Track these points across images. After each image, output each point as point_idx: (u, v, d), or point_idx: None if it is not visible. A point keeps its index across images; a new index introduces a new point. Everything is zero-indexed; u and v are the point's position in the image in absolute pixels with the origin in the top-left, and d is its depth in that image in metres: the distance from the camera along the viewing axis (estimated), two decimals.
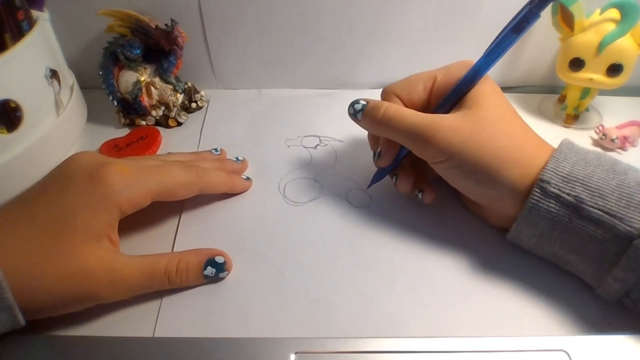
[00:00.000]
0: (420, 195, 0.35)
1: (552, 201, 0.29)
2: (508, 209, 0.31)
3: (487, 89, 0.32)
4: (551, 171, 0.29)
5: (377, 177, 0.38)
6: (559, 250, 0.30)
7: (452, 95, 0.33)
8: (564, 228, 0.29)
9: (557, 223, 0.29)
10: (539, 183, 0.29)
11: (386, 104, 0.34)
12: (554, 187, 0.29)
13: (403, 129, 0.32)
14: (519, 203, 0.30)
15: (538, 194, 0.29)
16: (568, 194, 0.28)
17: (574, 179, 0.28)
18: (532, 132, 0.32)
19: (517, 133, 0.31)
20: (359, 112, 0.35)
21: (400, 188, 0.36)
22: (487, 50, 0.32)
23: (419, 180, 0.36)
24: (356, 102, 0.36)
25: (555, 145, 0.31)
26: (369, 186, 0.38)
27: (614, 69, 0.42)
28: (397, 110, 0.33)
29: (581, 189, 0.28)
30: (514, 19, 0.30)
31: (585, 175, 0.28)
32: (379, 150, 0.36)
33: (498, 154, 0.30)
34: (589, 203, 0.28)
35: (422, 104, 0.35)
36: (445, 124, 0.31)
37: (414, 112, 0.33)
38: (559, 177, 0.29)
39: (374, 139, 0.38)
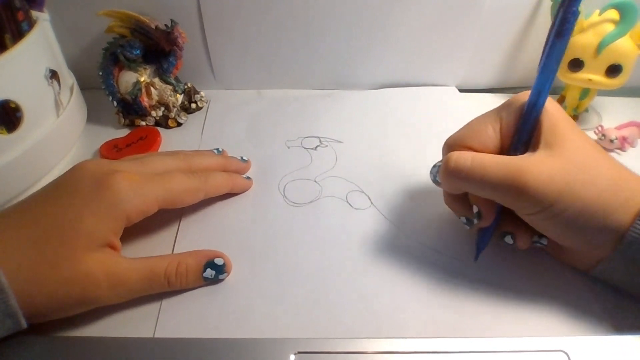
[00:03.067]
0: (544, 242, 0.31)
1: None
2: (604, 253, 0.29)
3: (560, 120, 0.29)
4: None
5: (483, 241, 0.33)
6: None
7: (523, 129, 0.30)
8: None
9: None
10: None
11: (456, 153, 0.30)
12: None
13: (488, 181, 0.28)
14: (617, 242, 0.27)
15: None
16: None
17: None
18: (619, 163, 0.29)
19: (611, 171, 0.28)
20: (437, 175, 0.32)
21: (522, 246, 0.31)
22: (539, 67, 0.29)
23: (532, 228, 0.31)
24: (434, 166, 0.33)
25: None
26: (477, 257, 0.33)
27: (613, 70, 0.43)
28: (474, 158, 0.29)
29: None
30: (552, 25, 0.28)
31: None
32: (477, 211, 0.31)
33: (601, 197, 0.27)
34: None
35: (497, 148, 0.31)
36: (537, 170, 0.27)
37: (495, 158, 0.29)
38: None
39: (457, 201, 0.33)
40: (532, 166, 0.27)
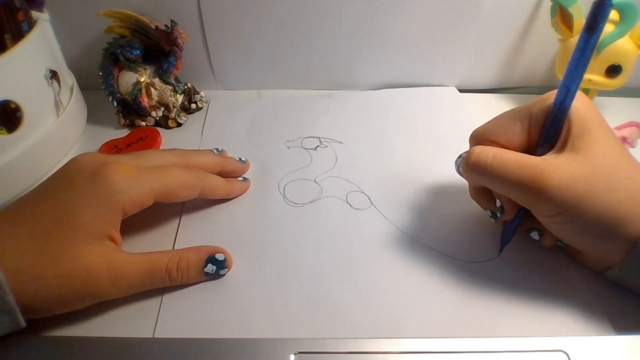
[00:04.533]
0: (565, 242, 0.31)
1: None
2: (618, 257, 0.29)
3: (590, 122, 0.28)
4: None
5: (507, 236, 0.33)
6: None
7: (550, 128, 0.29)
8: None
9: None
10: None
11: (479, 148, 0.30)
12: None
13: (507, 179, 0.28)
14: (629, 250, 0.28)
15: None
16: None
17: None
18: None
19: (634, 181, 0.27)
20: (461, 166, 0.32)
21: (548, 244, 0.32)
22: (569, 63, 0.28)
23: None
24: (459, 157, 0.33)
25: None
26: (501, 250, 0.34)
27: (613, 70, 0.43)
28: (495, 155, 0.29)
29: None
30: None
31: None
32: (499, 205, 0.31)
33: (618, 207, 0.27)
34: None
35: (523, 145, 0.31)
36: (557, 174, 0.27)
37: (517, 157, 0.29)
38: None
39: (481, 195, 0.33)
40: (552, 170, 0.27)
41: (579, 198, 0.27)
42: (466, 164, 0.31)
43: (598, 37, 0.27)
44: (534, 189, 0.27)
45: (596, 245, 0.29)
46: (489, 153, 0.29)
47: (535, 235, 0.32)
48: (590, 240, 0.29)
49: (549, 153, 0.29)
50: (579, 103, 0.29)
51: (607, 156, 0.28)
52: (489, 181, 0.30)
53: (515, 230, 0.33)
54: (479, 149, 0.30)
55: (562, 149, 0.29)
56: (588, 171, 0.27)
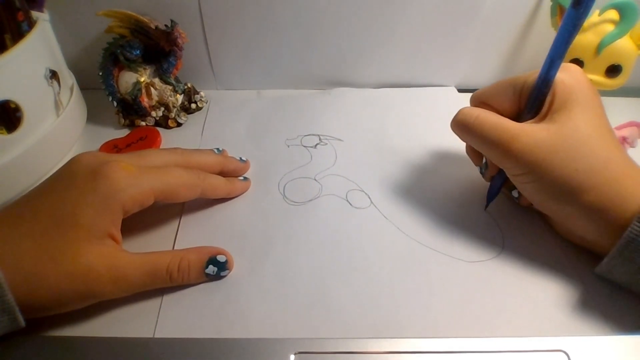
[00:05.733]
0: None
1: None
2: (579, 228, 0.31)
3: (572, 96, 0.30)
4: None
5: (491, 192, 0.36)
6: None
7: (534, 95, 0.31)
8: None
9: None
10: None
11: (466, 109, 0.34)
12: None
13: (483, 138, 0.32)
14: (591, 224, 0.30)
15: (638, 228, 0.27)
16: None
17: None
18: (618, 155, 0.30)
19: (599, 155, 0.29)
20: None
21: (524, 203, 0.35)
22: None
23: None
24: None
25: None
26: (487, 206, 0.37)
27: (613, 70, 0.43)
28: (478, 116, 0.32)
29: None
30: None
31: None
32: (485, 161, 0.35)
33: (574, 175, 0.29)
34: None
35: (514, 111, 0.33)
36: (526, 138, 0.30)
37: (495, 120, 0.32)
38: None
39: (472, 152, 0.37)
40: (522, 135, 0.30)
41: (539, 162, 0.30)
42: (453, 121, 0.34)
43: (585, 14, 0.27)
44: (502, 149, 0.31)
45: (553, 206, 0.31)
46: (473, 114, 0.33)
47: (515, 193, 0.35)
48: (548, 201, 0.31)
49: (530, 121, 0.32)
50: (571, 79, 0.31)
51: (579, 130, 0.30)
52: (470, 138, 0.33)
53: (499, 189, 0.36)
54: (467, 109, 0.34)
55: (542, 118, 0.31)
56: (554, 140, 0.30)
